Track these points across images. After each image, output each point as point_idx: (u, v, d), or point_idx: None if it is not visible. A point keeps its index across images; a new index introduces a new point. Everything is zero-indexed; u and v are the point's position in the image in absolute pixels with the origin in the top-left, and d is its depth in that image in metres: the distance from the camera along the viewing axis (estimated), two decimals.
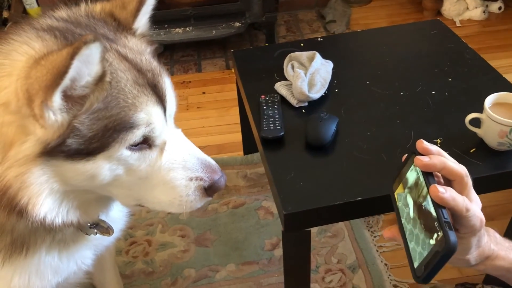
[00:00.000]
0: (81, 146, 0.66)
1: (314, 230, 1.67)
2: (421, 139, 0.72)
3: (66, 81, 0.61)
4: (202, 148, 2.16)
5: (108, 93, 0.66)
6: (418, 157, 0.70)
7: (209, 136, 2.08)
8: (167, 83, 0.76)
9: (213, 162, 0.82)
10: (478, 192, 1.06)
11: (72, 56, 0.58)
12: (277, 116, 1.21)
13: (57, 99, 0.62)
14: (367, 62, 1.43)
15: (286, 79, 1.35)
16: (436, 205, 0.66)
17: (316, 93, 1.26)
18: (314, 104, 1.27)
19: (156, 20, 2.41)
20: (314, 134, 1.14)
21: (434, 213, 0.66)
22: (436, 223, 0.65)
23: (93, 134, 0.66)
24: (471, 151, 1.11)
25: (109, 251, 1.22)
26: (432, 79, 1.33)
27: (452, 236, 0.63)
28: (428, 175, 0.70)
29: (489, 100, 1.09)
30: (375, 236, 1.64)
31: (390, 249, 1.60)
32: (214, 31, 2.38)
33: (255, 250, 1.61)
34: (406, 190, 0.73)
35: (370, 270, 1.52)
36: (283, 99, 1.29)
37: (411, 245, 0.70)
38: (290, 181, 1.07)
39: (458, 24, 2.66)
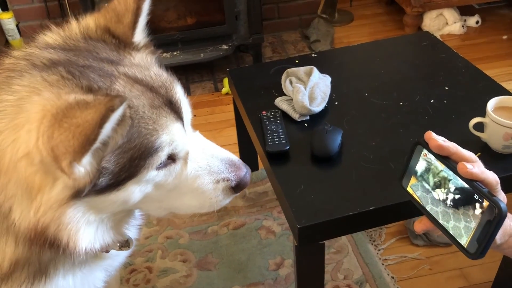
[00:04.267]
0: (111, 181, 0.66)
1: None
2: (429, 131, 0.73)
3: (96, 145, 0.59)
4: None
5: (130, 126, 0.65)
6: (434, 139, 0.72)
7: None
8: (180, 94, 0.75)
9: (235, 158, 0.82)
10: None
11: (100, 125, 0.56)
12: (280, 130, 1.20)
13: (86, 159, 0.60)
14: (363, 75, 1.45)
15: (285, 95, 1.35)
16: (468, 181, 0.68)
17: (317, 107, 1.26)
18: (315, 118, 1.27)
19: None
20: (320, 146, 1.13)
21: (468, 188, 0.68)
22: (475, 195, 0.67)
23: (120, 167, 0.65)
24: (476, 155, 1.11)
25: (115, 278, 1.18)
26: (429, 88, 1.35)
27: (499, 200, 0.65)
28: (445, 158, 0.72)
29: (491, 104, 1.11)
30: (379, 250, 1.63)
31: (396, 262, 1.59)
32: (202, 54, 2.39)
33: (260, 271, 1.58)
34: (420, 179, 0.75)
35: (378, 284, 1.51)
36: (284, 114, 1.29)
37: (451, 224, 0.71)
38: (300, 194, 1.06)
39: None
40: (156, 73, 0.73)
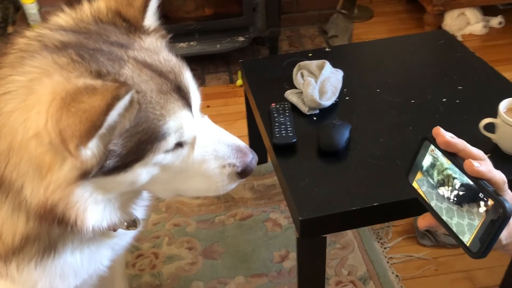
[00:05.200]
0: (118, 163, 0.67)
1: None
2: (438, 126, 0.72)
3: (102, 131, 0.60)
4: None
5: (137, 111, 0.66)
6: (442, 134, 0.71)
7: None
8: (188, 79, 0.76)
9: (242, 144, 0.83)
10: None
11: (106, 112, 0.58)
12: (288, 123, 1.20)
13: (93, 143, 0.62)
14: (376, 71, 1.43)
15: (295, 88, 1.35)
16: (474, 179, 0.67)
17: (327, 101, 1.26)
18: (325, 112, 1.27)
19: None
20: (327, 140, 1.13)
21: (474, 185, 0.67)
22: (480, 194, 0.66)
23: (128, 150, 0.67)
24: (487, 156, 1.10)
25: (120, 261, 1.21)
26: (442, 87, 1.33)
27: (505, 200, 0.64)
28: (452, 155, 0.71)
29: (503, 105, 1.09)
30: (385, 248, 1.62)
31: (401, 261, 1.58)
32: (218, 46, 2.40)
33: (264, 263, 1.59)
34: (426, 174, 0.75)
35: (382, 282, 1.50)
36: (293, 107, 1.29)
37: (455, 221, 0.70)
38: (305, 187, 1.06)
39: (459, 39, 2.69)
40: (166, 58, 0.74)
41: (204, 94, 2.52)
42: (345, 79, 1.36)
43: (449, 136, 0.72)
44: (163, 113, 0.68)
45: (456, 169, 0.70)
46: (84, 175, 0.65)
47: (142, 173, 0.71)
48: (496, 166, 1.06)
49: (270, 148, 1.20)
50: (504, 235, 0.76)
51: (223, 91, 2.44)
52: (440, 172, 0.74)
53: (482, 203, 0.67)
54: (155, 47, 0.75)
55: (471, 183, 0.68)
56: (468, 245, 0.69)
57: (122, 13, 0.75)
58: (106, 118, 0.58)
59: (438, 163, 0.74)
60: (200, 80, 2.55)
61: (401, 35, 1.63)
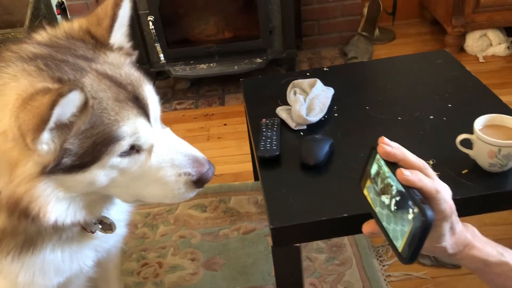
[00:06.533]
0: (75, 162, 0.75)
1: (322, 257, 1.67)
2: (382, 136, 0.76)
3: (50, 124, 0.69)
4: (219, 176, 2.20)
5: (92, 115, 0.74)
6: (381, 145, 0.75)
7: (227, 165, 2.14)
8: (147, 92, 0.83)
9: (200, 155, 0.88)
10: (470, 213, 1.08)
11: (51, 107, 0.67)
12: (274, 137, 1.26)
13: (45, 136, 0.70)
14: (369, 89, 1.47)
15: (288, 105, 1.40)
16: (406, 187, 0.71)
17: (314, 117, 1.31)
18: (312, 128, 1.31)
19: (182, 57, 2.53)
20: (307, 154, 1.18)
21: (406, 194, 0.71)
22: (410, 201, 0.70)
23: (84, 151, 0.75)
24: (463, 172, 1.11)
25: (113, 263, 1.28)
26: (431, 105, 1.35)
27: (427, 208, 0.68)
28: (393, 164, 0.75)
29: (480, 122, 1.10)
30: (383, 265, 1.62)
31: (399, 279, 1.58)
32: (236, 67, 2.49)
33: (262, 276, 1.63)
34: (373, 181, 0.79)
35: None
36: (284, 123, 1.34)
37: (391, 227, 0.74)
38: (281, 197, 1.10)
39: (481, 60, 2.66)
40: (127, 72, 0.83)
41: (222, 113, 2.62)
42: (337, 96, 1.40)
43: (388, 147, 0.76)
44: (117, 119, 0.76)
45: (394, 177, 0.74)
46: (44, 171, 0.73)
47: (100, 174, 0.79)
48: (474, 181, 1.08)
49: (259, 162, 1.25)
50: (450, 244, 0.79)
51: (241, 110, 2.51)
52: (382, 180, 0.77)
53: (410, 210, 0.70)
54: (118, 62, 0.84)
55: (404, 190, 0.72)
56: (400, 250, 0.72)
57: (91, 32, 0.86)
58: (52, 112, 0.66)
59: (381, 171, 0.78)
60: (220, 99, 2.65)
61: (399, 55, 1.66)
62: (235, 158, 2.19)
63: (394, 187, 0.74)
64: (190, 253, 1.75)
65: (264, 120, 1.34)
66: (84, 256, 1.01)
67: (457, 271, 1.56)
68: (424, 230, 0.68)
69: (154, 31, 2.41)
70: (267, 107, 1.43)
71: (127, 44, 0.90)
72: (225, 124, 2.43)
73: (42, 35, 0.86)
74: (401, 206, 0.72)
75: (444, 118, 1.29)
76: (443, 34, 2.80)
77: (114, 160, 0.79)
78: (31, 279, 0.93)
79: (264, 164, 1.22)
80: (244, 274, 1.64)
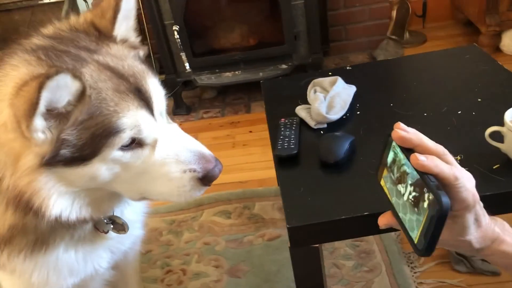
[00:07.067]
0: (75, 154, 0.74)
1: (349, 264, 1.61)
2: (399, 122, 0.71)
3: (41, 109, 0.68)
4: (244, 182, 2.17)
5: (90, 105, 0.72)
6: (396, 130, 0.70)
7: (252, 172, 2.11)
8: (152, 84, 0.81)
9: (207, 152, 0.85)
10: (502, 210, 1.00)
11: (39, 90, 0.66)
12: (293, 136, 1.22)
13: (38, 122, 0.69)
14: (394, 86, 1.41)
15: (308, 104, 1.36)
16: (422, 173, 0.66)
17: (335, 115, 1.26)
18: (333, 126, 1.27)
19: (208, 65, 2.54)
20: (326, 151, 1.13)
21: (421, 180, 0.65)
22: (425, 188, 0.65)
23: (83, 142, 0.73)
24: (494, 167, 1.04)
25: (132, 266, 1.26)
26: (459, 100, 1.28)
27: (443, 194, 0.62)
28: (409, 150, 0.70)
29: (510, 113, 1.03)
30: (415, 272, 1.54)
31: (432, 287, 1.49)
32: (261, 73, 2.47)
33: (287, 283, 1.57)
34: (389, 170, 0.74)
35: None
36: (303, 122, 1.30)
37: (407, 217, 0.69)
38: (299, 197, 1.06)
39: None
40: (130, 64, 0.81)
41: (248, 120, 2.61)
42: (359, 94, 1.35)
43: (403, 132, 0.71)
44: (117, 110, 0.74)
45: (410, 164, 0.69)
46: (44, 164, 0.72)
47: (101, 168, 0.77)
48: (507, 177, 1.01)
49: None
50: (476, 238, 0.72)
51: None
52: (398, 169, 0.72)
53: (426, 196, 0.65)
54: (121, 54, 0.83)
55: (420, 178, 0.67)
56: (415, 242, 0.67)
57: (95, 23, 0.85)
58: (40, 95, 0.65)
59: (397, 158, 0.73)
60: (246, 107, 2.63)
61: (426, 52, 1.59)
62: (260, 164, 2.16)
63: (410, 175, 0.69)
64: (214, 260, 1.72)
65: (283, 119, 1.30)
66: (98, 257, 0.99)
67: (496, 279, 1.46)
68: (439, 219, 0.62)
69: (179, 40, 2.42)
70: (287, 107, 1.39)
71: (134, 39, 0.89)
72: (250, 131, 2.41)
73: (48, 29, 0.86)
74: (417, 194, 0.67)
75: (473, 113, 1.21)
76: (477, 35, 2.69)
77: (116, 153, 0.77)
78: (45, 278, 0.92)
79: (282, 163, 1.18)
80: (268, 281, 1.59)
